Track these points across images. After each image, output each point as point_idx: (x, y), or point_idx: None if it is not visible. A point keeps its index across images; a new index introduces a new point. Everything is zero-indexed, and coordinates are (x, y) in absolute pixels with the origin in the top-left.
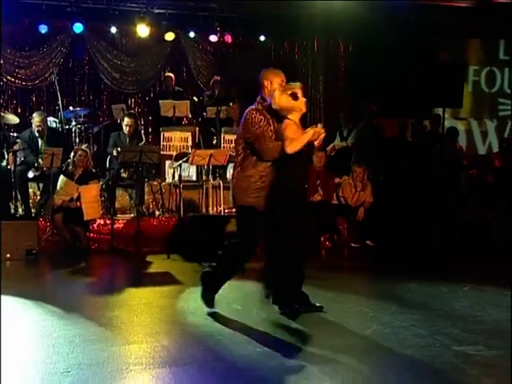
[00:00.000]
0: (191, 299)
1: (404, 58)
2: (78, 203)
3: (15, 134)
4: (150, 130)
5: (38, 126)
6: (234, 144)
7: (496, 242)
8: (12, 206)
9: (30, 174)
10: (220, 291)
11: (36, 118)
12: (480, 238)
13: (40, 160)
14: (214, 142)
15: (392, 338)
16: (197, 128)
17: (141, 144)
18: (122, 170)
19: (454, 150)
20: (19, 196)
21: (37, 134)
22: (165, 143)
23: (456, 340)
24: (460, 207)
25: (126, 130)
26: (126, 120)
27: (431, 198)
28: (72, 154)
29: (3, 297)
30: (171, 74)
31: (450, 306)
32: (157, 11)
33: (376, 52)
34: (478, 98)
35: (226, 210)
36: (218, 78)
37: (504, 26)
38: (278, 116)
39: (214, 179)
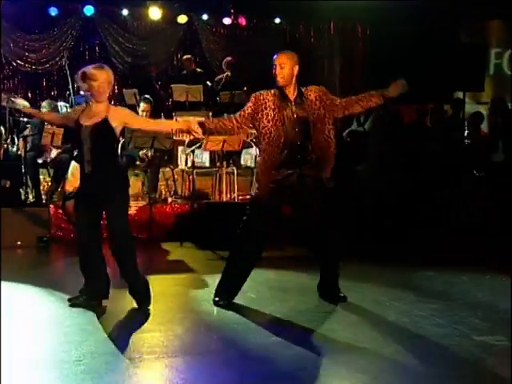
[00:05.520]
0: (205, 287)
1: (423, 40)
2: None
3: (25, 119)
4: (162, 115)
5: None
6: None
7: None
8: (23, 193)
9: (41, 160)
10: None
11: (44, 109)
12: (500, 225)
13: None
14: None
15: (410, 327)
16: (210, 113)
17: None
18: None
19: (478, 135)
20: (30, 182)
21: None
22: None
23: (476, 329)
24: (479, 193)
25: (141, 115)
26: (142, 105)
27: (450, 182)
28: None
29: (14, 284)
30: (189, 56)
31: (470, 295)
32: None
33: (394, 35)
34: (500, 81)
35: (240, 197)
36: (230, 58)
37: None
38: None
39: (228, 165)
